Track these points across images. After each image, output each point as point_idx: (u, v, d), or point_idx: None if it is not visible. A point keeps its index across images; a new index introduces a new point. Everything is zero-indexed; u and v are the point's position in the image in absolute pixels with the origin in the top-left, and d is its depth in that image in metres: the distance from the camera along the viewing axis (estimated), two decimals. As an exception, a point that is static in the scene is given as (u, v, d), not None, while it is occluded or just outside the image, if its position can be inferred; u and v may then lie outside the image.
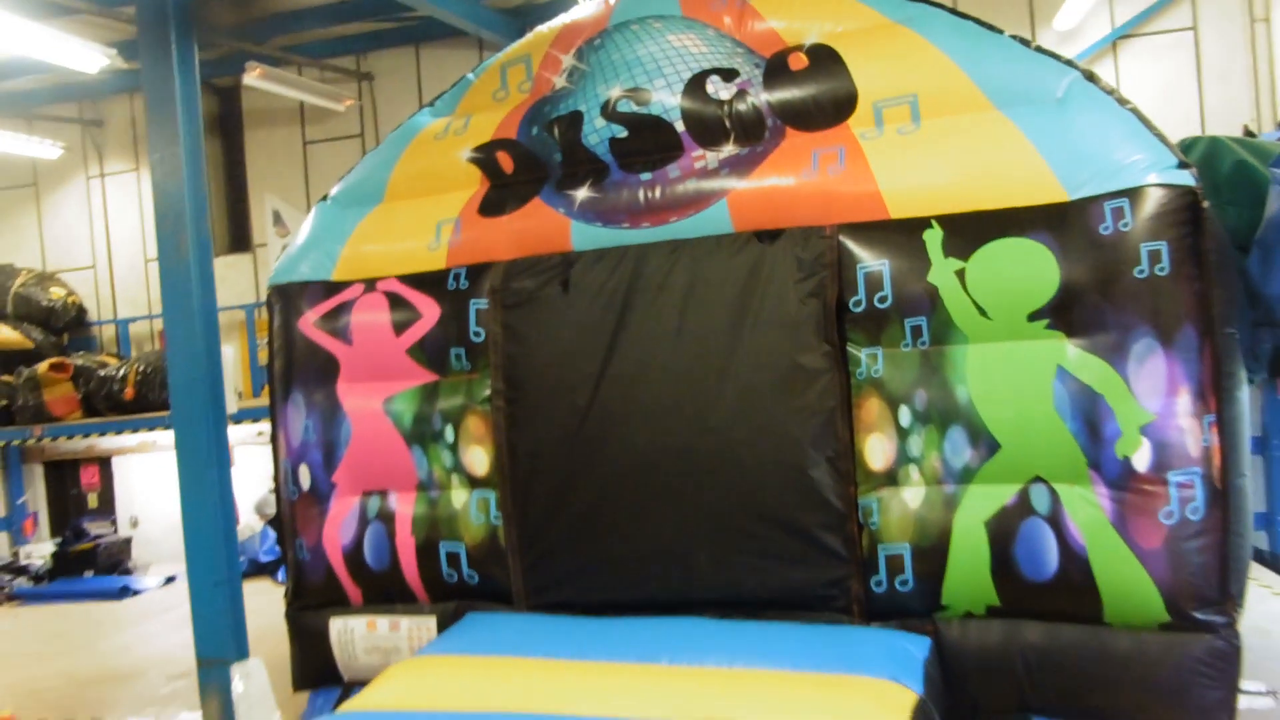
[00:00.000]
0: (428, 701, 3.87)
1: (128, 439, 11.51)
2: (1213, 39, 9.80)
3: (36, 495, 12.39)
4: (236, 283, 12.01)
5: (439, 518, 4.97)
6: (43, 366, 10.79)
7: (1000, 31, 4.37)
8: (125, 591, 9.54)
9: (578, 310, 4.71)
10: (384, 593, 5.10)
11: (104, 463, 12.27)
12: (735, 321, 4.46)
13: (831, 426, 4.28)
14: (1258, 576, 6.86)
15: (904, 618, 4.27)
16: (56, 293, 11.90)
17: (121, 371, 10.67)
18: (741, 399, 4.42)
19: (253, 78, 9.45)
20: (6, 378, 10.99)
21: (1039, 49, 4.31)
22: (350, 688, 5.20)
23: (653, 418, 4.54)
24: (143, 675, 6.71)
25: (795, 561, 4.36)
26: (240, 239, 12.38)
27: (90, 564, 10.23)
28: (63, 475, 12.37)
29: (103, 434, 10.87)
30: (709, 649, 4.10)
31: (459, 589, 4.97)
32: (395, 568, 5.03)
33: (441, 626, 4.96)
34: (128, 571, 10.45)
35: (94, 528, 11.04)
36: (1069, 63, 4.25)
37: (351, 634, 5.15)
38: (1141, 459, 3.88)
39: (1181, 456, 3.85)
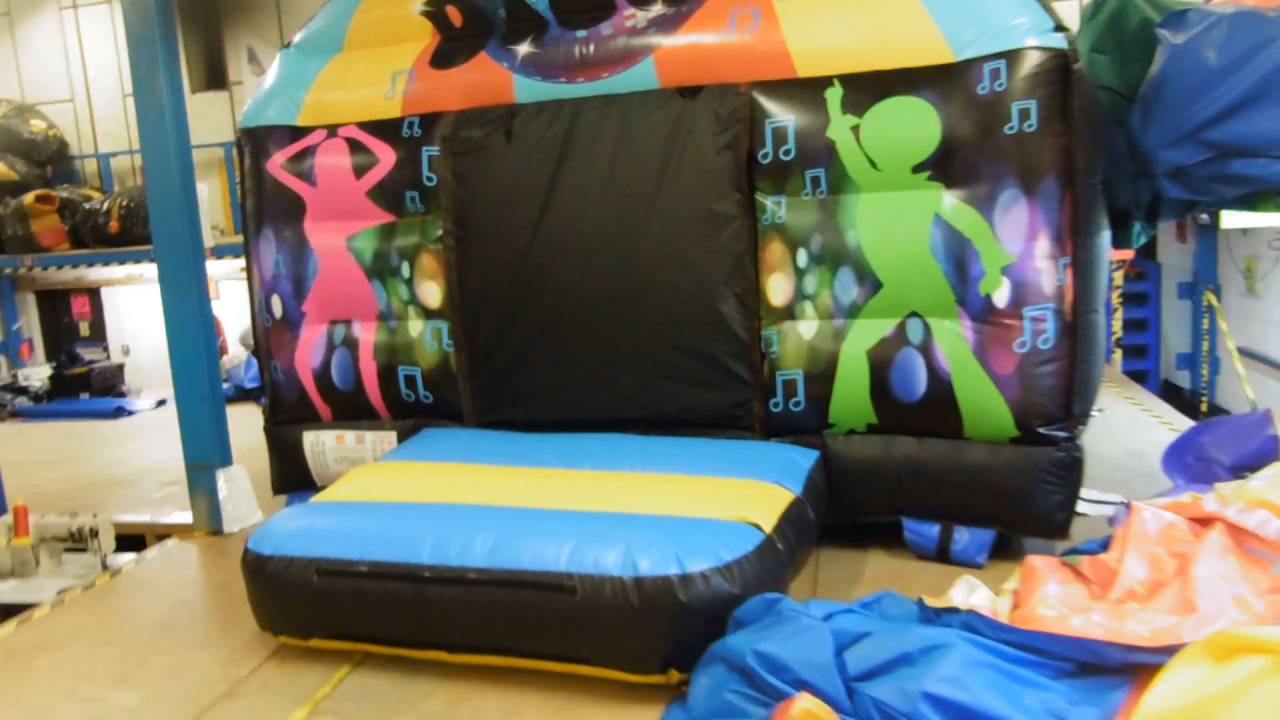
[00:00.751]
0: (380, 495, 4.54)
1: (115, 271, 11.99)
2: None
3: (30, 322, 12.98)
4: (214, 119, 12.22)
5: (397, 345, 5.56)
6: (29, 198, 11.14)
7: (905, -101, 4.67)
8: (120, 412, 10.24)
9: (519, 159, 5.16)
10: (350, 410, 5.74)
11: (93, 293, 12.79)
12: (659, 171, 4.92)
13: (740, 266, 4.83)
14: (1150, 408, 7.56)
15: (798, 434, 4.94)
16: (37, 125, 12.11)
17: (105, 205, 11.04)
18: (662, 241, 4.93)
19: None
20: (-5, 210, 11.38)
21: (938, -83, 4.62)
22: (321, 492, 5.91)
23: (584, 258, 5.07)
24: (139, 482, 7.45)
25: (707, 385, 4.98)
26: (216, 76, 12.49)
27: (85, 387, 10.90)
28: (55, 304, 12.91)
29: (90, 265, 11.36)
30: (626, 458, 4.75)
31: (416, 408, 5.60)
32: (359, 388, 5.66)
33: (401, 440, 5.63)
34: (121, 394, 11.14)
35: (88, 354, 11.67)
36: (965, -70, 4.57)
37: (323, 446, 5.81)
38: (1001, 296, 4.45)
39: (1036, 294, 4.42)
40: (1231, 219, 7.85)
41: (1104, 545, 3.98)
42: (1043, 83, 4.32)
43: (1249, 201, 5.34)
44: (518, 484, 4.52)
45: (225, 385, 6.07)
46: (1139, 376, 10.25)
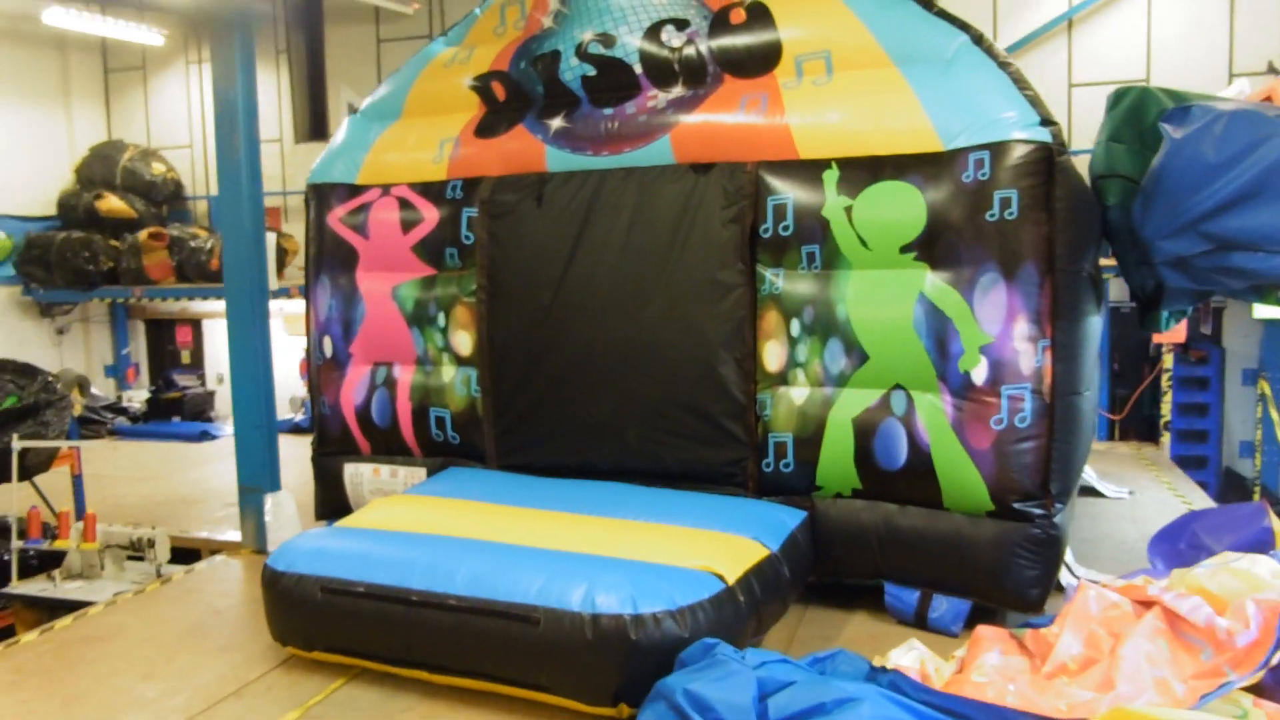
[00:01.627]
0: (393, 524, 4.95)
1: (215, 304, 12.89)
2: (1250, -28, 9.80)
3: (139, 348, 14.03)
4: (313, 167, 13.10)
5: (431, 387, 6.02)
6: (143, 234, 12.16)
7: (907, -1, 5.00)
8: (204, 436, 11.01)
9: (547, 223, 5.59)
10: (387, 446, 6.21)
11: (196, 324, 13.76)
12: (670, 240, 5.29)
13: (740, 332, 5.14)
14: (1185, 494, 7.49)
15: (788, 494, 5.18)
16: (158, 168, 13.20)
17: (209, 243, 11.97)
18: (670, 305, 5.28)
19: (324, -18, 10.37)
20: (114, 243, 12.43)
21: (940, 13, 4.94)
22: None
23: (598, 316, 5.45)
24: (206, 501, 8.06)
25: (705, 442, 5.28)
26: (319, 127, 13.43)
27: (178, 411, 11.75)
28: (161, 333, 13.94)
29: (190, 298, 12.29)
30: (621, 506, 5.07)
31: (445, 447, 6.04)
32: (395, 426, 6.12)
33: (430, 476, 6.06)
34: (209, 420, 11.95)
35: (183, 380, 12.56)
36: (963, 26, 4.86)
37: (361, 477, 6.29)
38: (979, 373, 4.65)
39: (1014, 373, 4.61)
40: (1264, 309, 7.78)
41: (1053, 621, 4.11)
42: (1025, 173, 4.55)
43: (1258, 293, 5.41)
44: (515, 523, 4.88)
45: (275, 411, 6.59)
46: (1199, 462, 10.05)
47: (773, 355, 5.11)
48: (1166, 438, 9.50)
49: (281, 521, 6.48)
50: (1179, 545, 5.18)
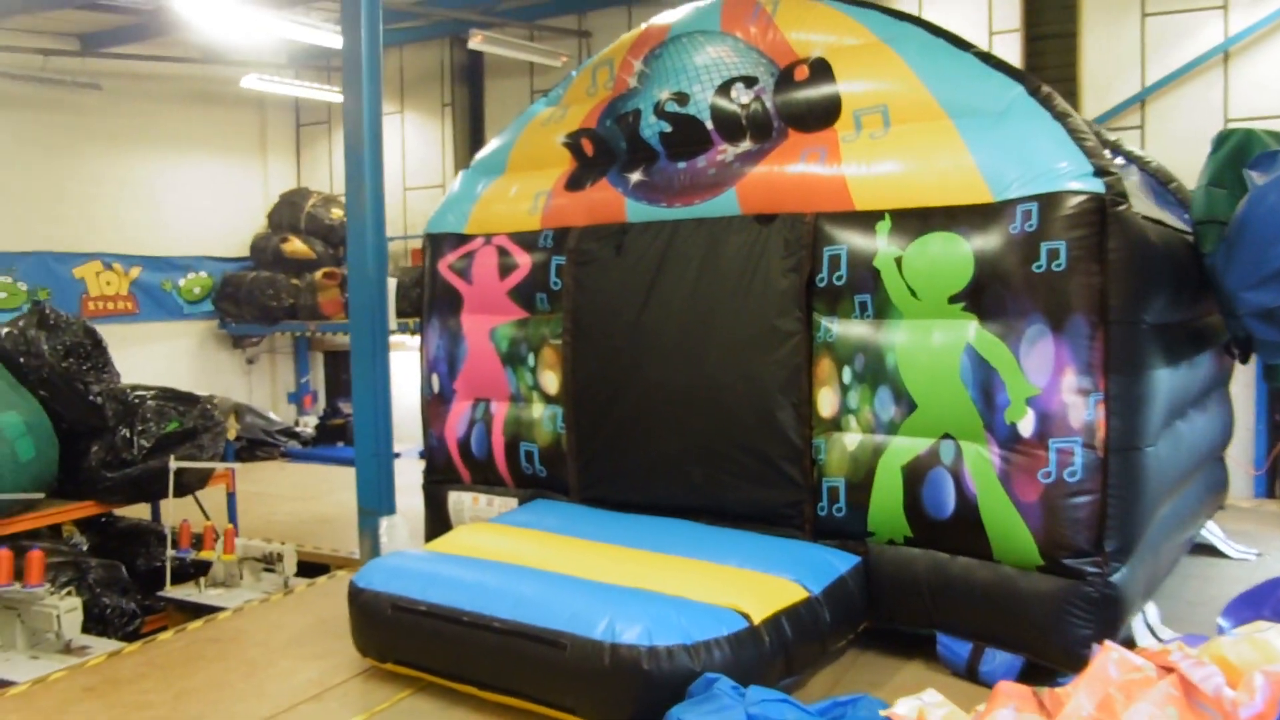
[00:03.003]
0: (469, 550, 5.37)
1: (382, 339, 13.99)
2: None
3: (317, 378, 15.35)
4: (472, 212, 14.01)
5: (522, 423, 6.44)
6: (318, 274, 13.40)
7: (968, 48, 5.04)
8: (362, 461, 12.01)
9: (625, 270, 5.93)
10: (484, 476, 6.67)
11: (367, 356, 14.96)
12: (735, 288, 5.50)
13: (797, 379, 5.28)
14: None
15: (843, 539, 5.25)
16: (336, 213, 14.46)
17: (376, 283, 13.05)
18: (731, 350, 5.49)
19: (475, 43, 11.16)
20: (296, 281, 13.73)
21: (998, 64, 4.96)
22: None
23: (667, 360, 5.71)
24: (343, 521, 8.80)
25: (763, 484, 5.43)
26: (479, 174, 14.39)
27: (342, 436, 12.79)
28: (337, 363, 15.20)
29: (356, 334, 13.45)
30: (679, 543, 5.28)
31: (533, 479, 6.44)
32: (490, 459, 6.58)
33: (520, 505, 6.47)
34: (374, 446, 12.95)
35: (348, 408, 13.65)
36: (1020, 78, 4.87)
37: (462, 504, 6.78)
38: (1026, 425, 4.61)
39: (1063, 427, 4.54)
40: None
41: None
42: (1075, 224, 4.49)
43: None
44: (573, 554, 5.19)
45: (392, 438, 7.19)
46: (1372, 523, 9.20)
47: (826, 401, 5.22)
48: (1321, 495, 8.78)
49: (395, 543, 7.03)
50: (1263, 612, 4.90)
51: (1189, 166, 7.78)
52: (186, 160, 14.07)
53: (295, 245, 13.95)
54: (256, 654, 5.54)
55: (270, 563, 7.03)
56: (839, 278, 5.15)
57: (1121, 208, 4.52)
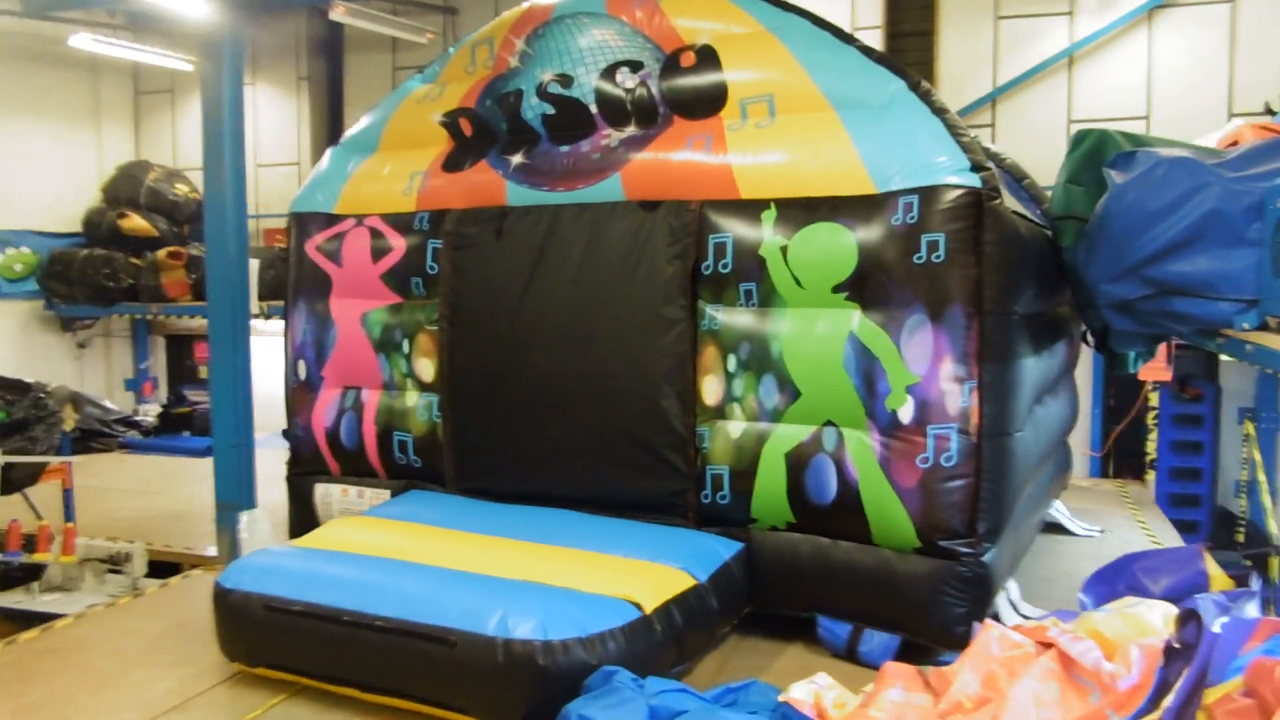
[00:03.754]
0: (342, 545, 5.14)
1: (232, 322, 13.27)
2: (1251, 14, 9.76)
3: (158, 363, 14.44)
4: (329, 191, 13.45)
5: (395, 412, 6.21)
6: (162, 253, 12.54)
7: (851, 42, 5.12)
8: (209, 451, 11.29)
9: (505, 255, 5.77)
10: (354, 467, 6.41)
11: (214, 341, 14.18)
12: (619, 275, 5.44)
13: (682, 367, 5.27)
14: (1156, 534, 7.46)
15: (726, 526, 5.28)
16: (181, 189, 13.61)
17: (225, 264, 12.35)
18: (616, 339, 5.43)
19: (337, 14, 10.69)
20: (135, 260, 12.84)
21: (880, 59, 5.05)
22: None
23: (550, 347, 5.61)
24: (196, 516, 8.32)
25: (647, 473, 5.40)
26: (336, 152, 13.82)
27: (188, 426, 12.11)
28: (180, 349, 14.35)
29: (204, 316, 12.66)
30: (564, 534, 5.20)
31: (407, 470, 6.22)
32: (362, 448, 6.32)
33: (393, 497, 6.24)
34: (220, 435, 12.29)
35: (195, 396, 12.93)
36: (900, 72, 4.98)
37: (330, 497, 6.49)
38: (906, 412, 4.74)
39: (940, 413, 4.69)
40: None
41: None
42: (953, 218, 4.64)
43: (1203, 336, 5.44)
44: (457, 547, 5.04)
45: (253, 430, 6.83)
46: (1191, 500, 9.98)
47: (711, 389, 5.23)
48: (1152, 475, 9.44)
49: (256, 539, 6.69)
50: (1117, 586, 5.21)
51: (1036, 163, 8.24)
52: (5, 125, 12.92)
53: (135, 222, 13.04)
54: (105, 664, 5.14)
55: (116, 563, 6.56)
56: (724, 266, 5.16)
57: (996, 202, 4.69)
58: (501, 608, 4.15)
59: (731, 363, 5.15)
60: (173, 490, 9.63)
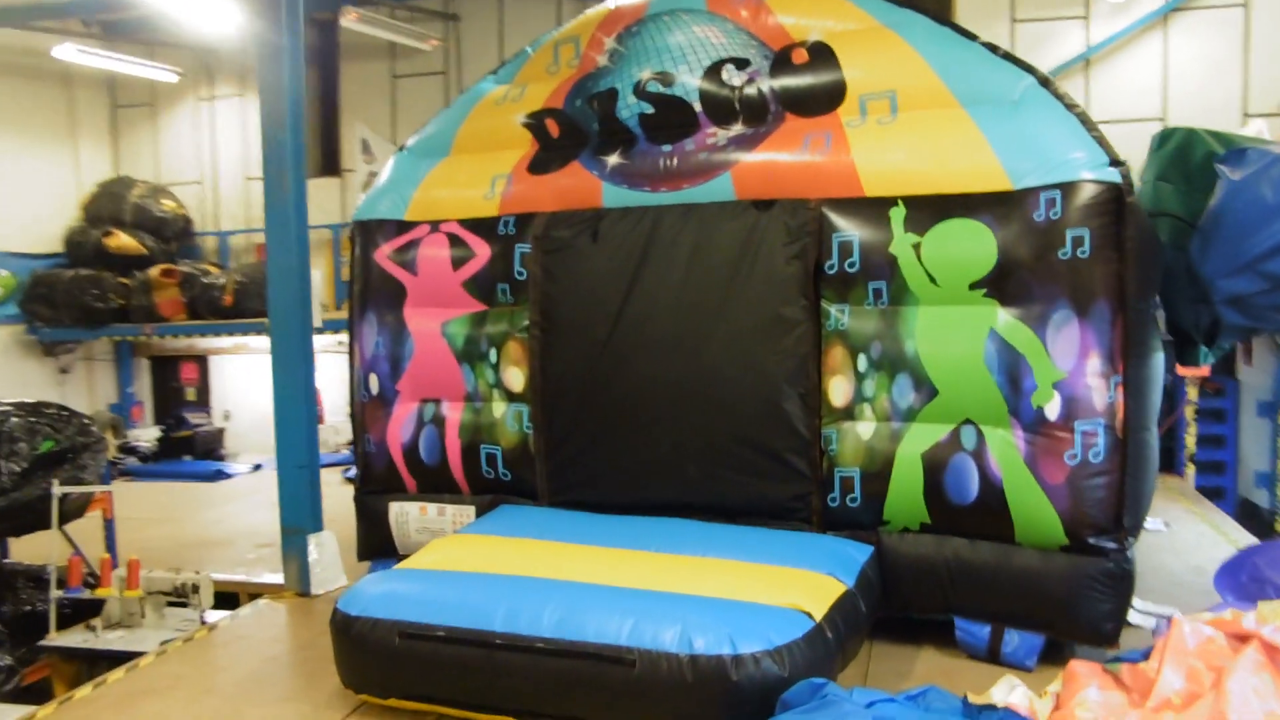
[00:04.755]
0: (460, 565, 4.88)
1: (224, 340, 12.82)
2: (1265, 17, 10.00)
3: (143, 386, 13.88)
4: (325, 203, 13.11)
5: (481, 424, 5.97)
6: (154, 271, 12.09)
7: (975, 39, 5.07)
8: (219, 475, 10.89)
9: (603, 258, 5.59)
10: (434, 484, 6.14)
11: (201, 360, 13.64)
12: (731, 276, 5.30)
13: (804, 368, 5.14)
14: (1219, 525, 7.53)
15: (853, 529, 5.16)
16: (168, 204, 13.13)
17: (222, 280, 11.90)
18: (731, 341, 5.28)
19: (349, 20, 10.40)
20: (124, 280, 12.33)
21: (1006, 55, 5.00)
22: (403, 559, 6.30)
23: (658, 352, 5.44)
24: (234, 543, 7.96)
25: (768, 478, 5.26)
26: (330, 163, 13.43)
27: (189, 449, 11.63)
28: (165, 370, 13.80)
29: (204, 335, 12.19)
30: (688, 542, 5.03)
31: (495, 484, 5.98)
32: (444, 464, 6.07)
33: (479, 514, 6.00)
34: (221, 458, 11.82)
35: (193, 418, 12.43)
36: (1028, 69, 4.93)
37: (406, 516, 6.22)
38: (1053, 409, 4.67)
39: (1088, 409, 4.63)
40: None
41: (1145, 655, 4.09)
42: (1097, 213, 4.59)
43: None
44: (586, 561, 4.82)
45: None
46: (1215, 493, 10.12)
47: (839, 390, 5.11)
48: (1191, 469, 9.56)
49: (325, 563, 6.39)
50: (1241, 579, 5.19)
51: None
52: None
53: (121, 240, 12.54)
54: (215, 703, 4.81)
55: (181, 595, 6.19)
56: (851, 265, 5.05)
57: (1132, 198, 4.66)
58: (678, 622, 3.96)
59: (862, 362, 5.04)
60: (192, 516, 9.21)
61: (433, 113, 6.52)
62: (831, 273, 5.09)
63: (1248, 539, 7.20)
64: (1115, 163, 4.67)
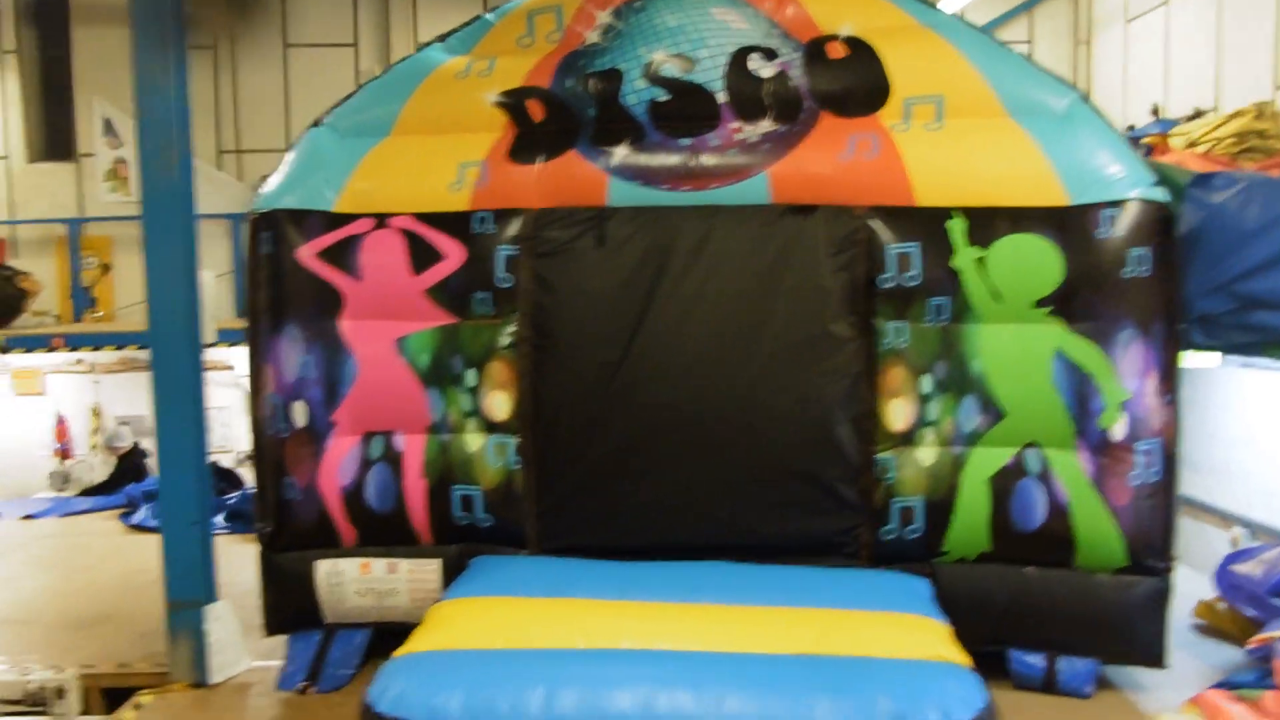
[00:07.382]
0: (497, 641, 3.96)
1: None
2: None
3: None
4: (56, 194, 10.84)
5: (453, 461, 4.98)
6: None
7: (1011, 50, 4.94)
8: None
9: (613, 266, 4.86)
10: (382, 535, 5.04)
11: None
12: (767, 288, 4.79)
13: (856, 390, 4.73)
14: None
15: (906, 562, 4.81)
16: None
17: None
18: (771, 362, 4.77)
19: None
20: None
21: (1043, 68, 4.91)
22: (334, 631, 5.11)
23: (684, 375, 4.80)
24: (74, 617, 6.09)
25: (812, 511, 4.80)
26: (60, 144, 11.10)
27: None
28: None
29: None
30: (741, 589, 4.41)
31: (468, 531, 5.01)
32: (400, 509, 5.00)
33: (446, 569, 4.99)
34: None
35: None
36: (1069, 84, 4.87)
37: (341, 576, 5.05)
38: (1119, 430, 4.61)
39: (1147, 429, 4.62)
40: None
41: (1258, 679, 4.10)
42: (1154, 232, 4.61)
43: (1256, 349, 5.88)
44: (647, 621, 4.10)
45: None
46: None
47: (899, 414, 4.74)
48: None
49: (225, 642, 5.04)
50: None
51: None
52: None
53: None
54: None
55: (38, 704, 4.57)
56: (911, 279, 4.71)
57: (1173, 218, 4.73)
58: (853, 694, 3.40)
59: (926, 384, 4.71)
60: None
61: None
62: (887, 286, 4.73)
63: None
64: (1159, 182, 4.71)
